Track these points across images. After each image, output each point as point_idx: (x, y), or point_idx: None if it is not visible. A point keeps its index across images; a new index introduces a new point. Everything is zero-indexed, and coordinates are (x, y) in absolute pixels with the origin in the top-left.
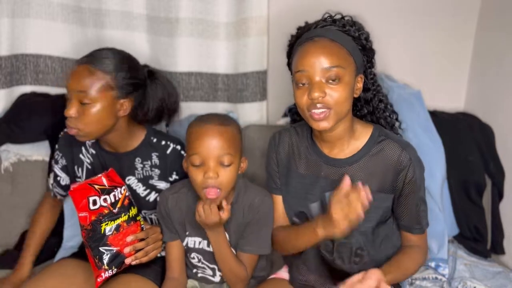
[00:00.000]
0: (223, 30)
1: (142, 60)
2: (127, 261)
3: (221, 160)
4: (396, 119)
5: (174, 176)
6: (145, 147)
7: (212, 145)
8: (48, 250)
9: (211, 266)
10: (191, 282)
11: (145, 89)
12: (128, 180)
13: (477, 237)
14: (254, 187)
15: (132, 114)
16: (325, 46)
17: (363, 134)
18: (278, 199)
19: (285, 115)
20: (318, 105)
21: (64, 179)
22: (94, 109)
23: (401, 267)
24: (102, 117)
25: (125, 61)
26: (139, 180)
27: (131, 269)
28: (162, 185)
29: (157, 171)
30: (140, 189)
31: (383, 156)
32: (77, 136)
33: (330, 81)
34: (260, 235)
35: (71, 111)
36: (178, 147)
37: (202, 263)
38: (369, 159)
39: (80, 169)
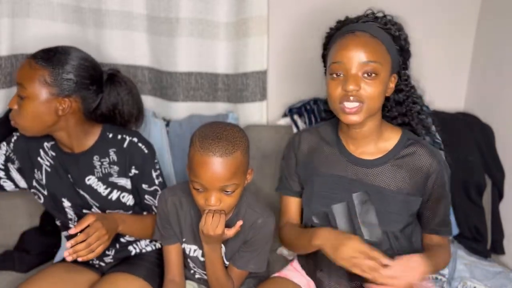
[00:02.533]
0: (223, 30)
1: (142, 60)
2: (68, 258)
3: (225, 189)
4: (433, 123)
5: (134, 171)
6: (101, 144)
7: (216, 176)
8: (48, 251)
9: (205, 272)
10: (189, 285)
11: (99, 91)
12: (88, 180)
13: (477, 237)
14: (258, 205)
15: (82, 113)
16: (366, 41)
17: (392, 136)
18: (291, 200)
19: (285, 115)
20: (352, 98)
21: (19, 181)
22: (30, 103)
23: (438, 258)
24: (38, 113)
25: (70, 59)
26: (99, 179)
27: (119, 267)
28: (122, 181)
29: (115, 167)
30: (101, 188)
31: (412, 160)
32: (19, 130)
33: (366, 75)
34: (256, 255)
35: (11, 103)
36: (135, 139)
37: (197, 269)
38: (396, 162)
39: (39, 172)
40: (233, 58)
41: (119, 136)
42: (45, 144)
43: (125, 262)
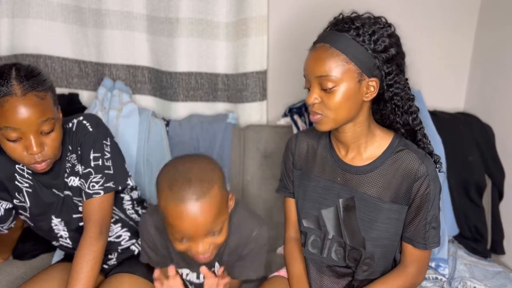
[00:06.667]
0: (223, 30)
1: (142, 60)
2: None
3: (211, 232)
4: (419, 130)
5: (79, 152)
6: (63, 139)
7: (198, 224)
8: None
9: None
10: None
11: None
12: (67, 178)
13: (477, 237)
14: (251, 216)
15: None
16: (321, 55)
17: (383, 141)
18: (292, 203)
19: (285, 115)
20: (312, 111)
21: (4, 204)
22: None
23: None
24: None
25: None
26: (70, 173)
27: (122, 268)
28: (81, 168)
29: (74, 155)
30: (76, 182)
31: (400, 166)
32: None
33: (325, 88)
34: (254, 263)
35: None
36: (81, 117)
37: None
38: (385, 168)
39: (21, 195)
40: (233, 58)
41: (70, 124)
42: (17, 166)
43: (128, 261)
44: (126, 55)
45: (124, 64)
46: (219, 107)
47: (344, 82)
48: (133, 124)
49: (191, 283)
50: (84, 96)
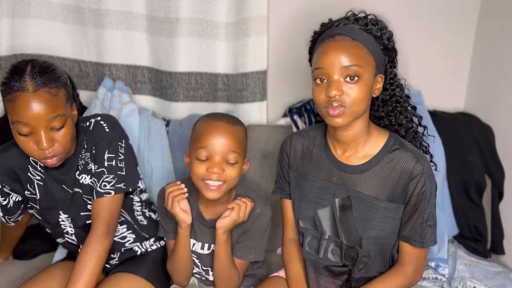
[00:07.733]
0: (223, 30)
1: (142, 60)
2: None
3: (227, 157)
4: (419, 124)
5: (94, 151)
6: (79, 136)
7: (221, 141)
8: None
9: (205, 268)
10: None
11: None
12: (78, 175)
13: (477, 237)
14: (257, 195)
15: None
16: (346, 45)
17: (378, 140)
18: (288, 204)
19: (285, 115)
20: (334, 103)
21: (14, 196)
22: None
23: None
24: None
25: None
26: (82, 171)
27: (122, 267)
28: (94, 167)
29: (88, 154)
30: (87, 180)
31: (396, 165)
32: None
33: (348, 79)
34: (256, 244)
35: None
36: (99, 118)
37: (196, 264)
38: (381, 168)
39: (32, 187)
40: (233, 58)
41: (87, 123)
42: (31, 159)
43: (130, 261)
44: (126, 55)
45: (124, 64)
46: (219, 107)
47: (367, 75)
48: (133, 124)
49: (196, 253)
50: (84, 96)
